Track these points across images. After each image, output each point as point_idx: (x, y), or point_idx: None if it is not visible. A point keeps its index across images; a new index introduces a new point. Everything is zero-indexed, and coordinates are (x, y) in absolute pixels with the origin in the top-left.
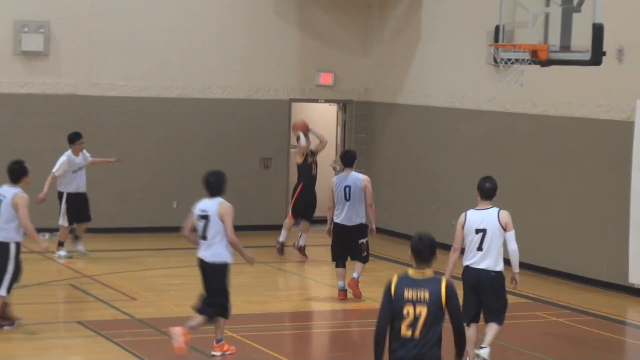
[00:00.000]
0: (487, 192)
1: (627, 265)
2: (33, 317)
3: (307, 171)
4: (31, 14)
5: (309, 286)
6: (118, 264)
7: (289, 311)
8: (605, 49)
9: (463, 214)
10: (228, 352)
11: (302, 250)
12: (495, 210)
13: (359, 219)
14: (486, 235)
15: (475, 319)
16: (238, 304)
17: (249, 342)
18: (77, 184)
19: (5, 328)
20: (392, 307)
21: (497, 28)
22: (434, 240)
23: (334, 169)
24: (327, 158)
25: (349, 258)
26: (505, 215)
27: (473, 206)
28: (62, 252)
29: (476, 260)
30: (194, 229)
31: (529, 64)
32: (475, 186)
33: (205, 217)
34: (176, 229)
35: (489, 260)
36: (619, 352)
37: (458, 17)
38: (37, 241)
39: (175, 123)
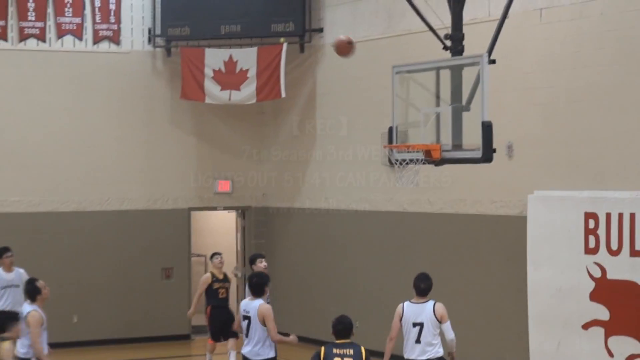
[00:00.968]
0: (422, 291)
1: (529, 359)
2: None
3: (214, 295)
4: None
5: None
6: None
7: None
8: (495, 145)
9: (400, 305)
10: None
11: None
12: (431, 303)
13: None
14: (423, 329)
15: None
16: None
17: None
18: (6, 304)
19: None
20: None
21: (390, 129)
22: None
23: (236, 275)
24: (229, 265)
25: None
26: (440, 307)
27: (377, 306)
28: None
29: (417, 353)
30: None
31: (423, 163)
32: (376, 286)
33: (247, 318)
34: (77, 344)
35: (429, 352)
36: None
37: (353, 120)
38: None
39: (74, 237)
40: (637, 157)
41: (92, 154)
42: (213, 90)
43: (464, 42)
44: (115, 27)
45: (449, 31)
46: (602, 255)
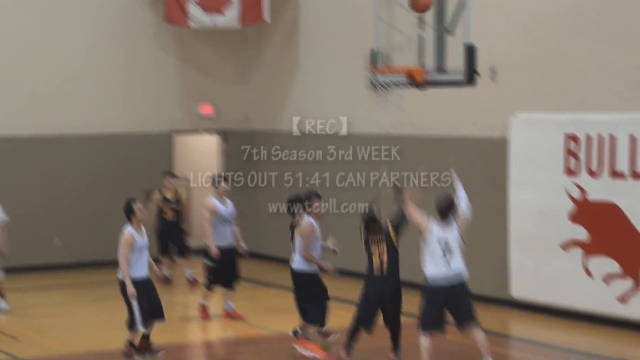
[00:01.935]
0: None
1: (509, 279)
2: None
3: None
4: None
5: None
6: None
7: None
8: (478, 68)
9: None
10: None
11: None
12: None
13: None
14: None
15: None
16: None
17: None
18: None
19: None
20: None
21: (372, 52)
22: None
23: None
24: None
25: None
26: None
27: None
28: None
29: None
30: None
31: (406, 86)
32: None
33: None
34: (59, 267)
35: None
36: None
37: (335, 42)
38: None
39: (54, 161)
40: (618, 80)
41: (73, 78)
42: (196, 14)
43: None
44: None
45: None
46: (583, 177)
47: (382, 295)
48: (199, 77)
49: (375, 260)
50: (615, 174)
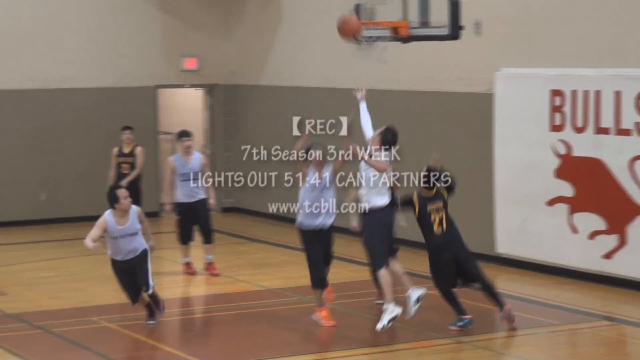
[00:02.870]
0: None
1: (494, 236)
2: None
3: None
4: None
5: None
6: None
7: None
8: (463, 23)
9: None
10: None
11: None
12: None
13: None
14: None
15: None
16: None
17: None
18: None
19: None
20: None
21: (357, 6)
22: None
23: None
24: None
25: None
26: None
27: None
28: None
29: None
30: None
31: (390, 40)
32: None
33: None
34: (45, 222)
35: None
36: (491, 321)
37: None
38: None
39: (38, 115)
40: (603, 35)
41: (55, 31)
42: None
43: None
44: None
45: None
46: (568, 133)
47: (446, 249)
48: (183, 30)
49: (435, 221)
50: (600, 130)
